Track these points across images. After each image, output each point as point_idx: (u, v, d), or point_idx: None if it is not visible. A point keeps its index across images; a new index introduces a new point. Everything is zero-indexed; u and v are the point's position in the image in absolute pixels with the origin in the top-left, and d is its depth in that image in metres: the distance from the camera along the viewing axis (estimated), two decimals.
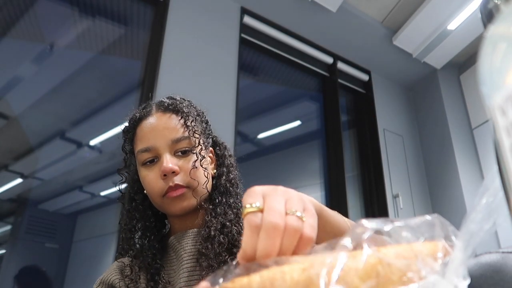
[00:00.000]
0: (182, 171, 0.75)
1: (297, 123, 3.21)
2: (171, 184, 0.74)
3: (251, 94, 2.96)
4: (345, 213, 2.59)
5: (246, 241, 0.36)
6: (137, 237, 0.81)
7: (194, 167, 0.76)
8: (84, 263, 2.20)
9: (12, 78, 2.08)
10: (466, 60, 3.27)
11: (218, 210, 0.78)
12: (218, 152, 0.88)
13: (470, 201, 2.78)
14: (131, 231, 0.81)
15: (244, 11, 2.58)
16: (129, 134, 0.82)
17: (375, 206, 2.86)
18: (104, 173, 2.35)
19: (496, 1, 0.30)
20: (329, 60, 2.98)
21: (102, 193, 2.42)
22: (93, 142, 2.33)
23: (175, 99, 0.84)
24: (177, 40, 2.23)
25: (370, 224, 0.30)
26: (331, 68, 3.02)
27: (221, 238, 0.74)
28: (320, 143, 3.00)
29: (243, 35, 2.55)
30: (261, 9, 2.63)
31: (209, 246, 0.73)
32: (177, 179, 0.74)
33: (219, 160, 0.86)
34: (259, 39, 2.67)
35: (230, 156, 0.88)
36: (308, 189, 3.01)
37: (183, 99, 0.85)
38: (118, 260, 0.82)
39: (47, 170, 2.27)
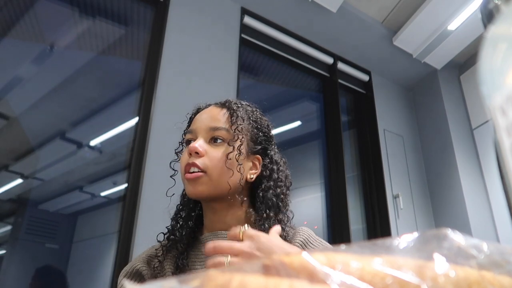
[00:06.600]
0: (207, 156, 0.78)
1: (297, 123, 3.21)
2: (189, 161, 0.77)
3: (251, 95, 2.96)
4: (345, 213, 2.59)
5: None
6: (180, 222, 0.84)
7: (226, 158, 0.78)
8: (84, 264, 2.19)
9: (12, 78, 2.08)
10: (466, 60, 3.27)
11: (266, 225, 0.77)
12: (265, 163, 0.86)
13: (471, 202, 2.78)
14: (176, 214, 0.86)
15: (244, 12, 2.58)
16: (190, 121, 0.89)
17: (375, 206, 2.86)
18: (104, 173, 2.35)
19: (496, 2, 0.30)
20: (329, 60, 2.98)
21: (102, 194, 2.42)
22: (93, 142, 2.33)
23: (237, 101, 0.88)
24: (177, 40, 2.23)
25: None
26: (331, 68, 3.02)
27: None
28: (320, 143, 3.00)
29: (243, 36, 2.55)
30: (261, 9, 2.63)
31: None
32: (198, 161, 0.76)
33: (265, 172, 0.85)
34: (259, 40, 2.67)
35: (279, 170, 0.87)
36: (308, 189, 3.00)
37: (248, 104, 0.90)
38: (158, 243, 0.84)
39: (47, 171, 2.27)
